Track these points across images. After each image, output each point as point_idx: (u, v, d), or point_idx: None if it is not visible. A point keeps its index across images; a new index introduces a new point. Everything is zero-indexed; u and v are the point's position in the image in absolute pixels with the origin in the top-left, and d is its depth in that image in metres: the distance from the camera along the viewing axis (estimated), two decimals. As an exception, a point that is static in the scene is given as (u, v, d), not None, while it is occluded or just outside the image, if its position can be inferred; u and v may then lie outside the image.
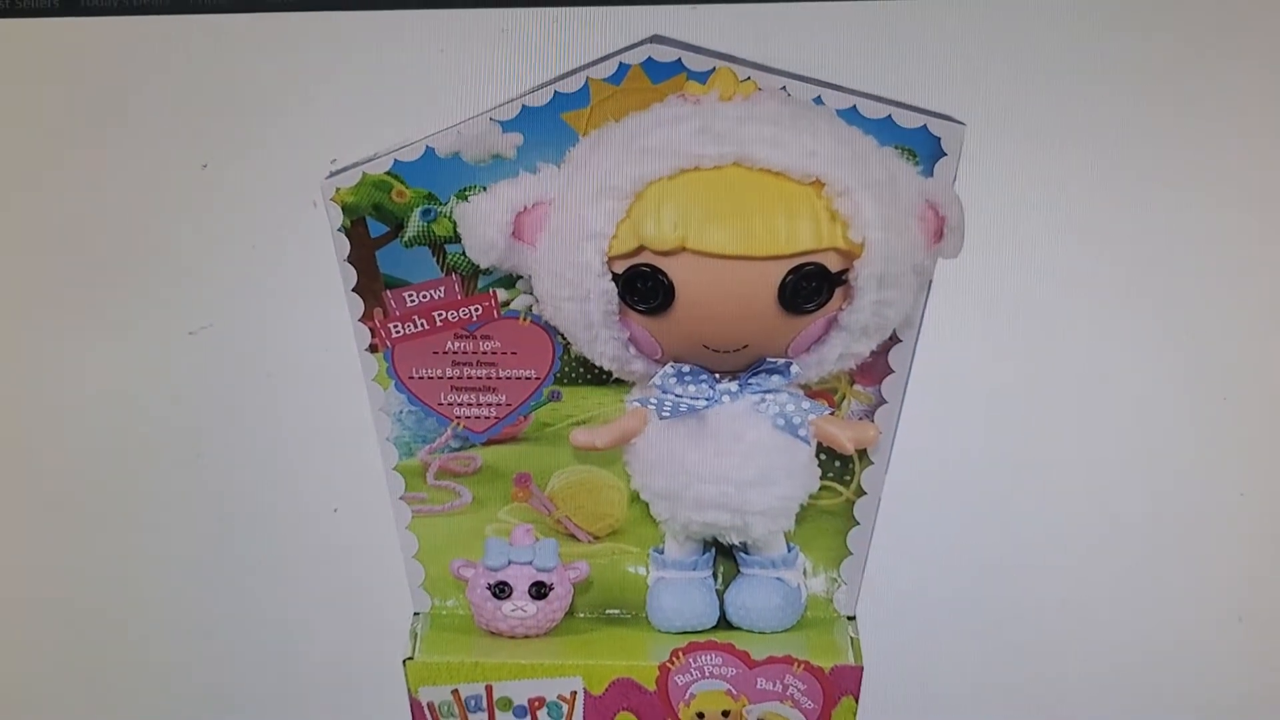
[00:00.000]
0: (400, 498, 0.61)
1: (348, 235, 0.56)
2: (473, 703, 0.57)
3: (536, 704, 0.57)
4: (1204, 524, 0.62)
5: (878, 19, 0.55)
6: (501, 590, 0.59)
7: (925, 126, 0.54)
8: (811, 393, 0.58)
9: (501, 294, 0.58)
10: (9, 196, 0.59)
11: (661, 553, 0.60)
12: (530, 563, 0.59)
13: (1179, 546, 0.62)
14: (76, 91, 0.57)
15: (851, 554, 0.60)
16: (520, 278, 0.57)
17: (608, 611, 0.62)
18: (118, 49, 0.56)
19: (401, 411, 0.60)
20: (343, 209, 0.56)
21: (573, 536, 0.61)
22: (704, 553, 0.60)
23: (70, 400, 0.62)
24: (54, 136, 0.58)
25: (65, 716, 0.67)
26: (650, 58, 0.54)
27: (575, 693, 0.57)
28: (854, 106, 0.54)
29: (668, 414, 0.55)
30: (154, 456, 0.63)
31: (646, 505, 0.59)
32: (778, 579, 0.59)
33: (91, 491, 0.64)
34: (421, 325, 0.58)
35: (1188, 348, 0.59)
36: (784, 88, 0.54)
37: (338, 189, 0.56)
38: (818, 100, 0.54)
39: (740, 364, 0.55)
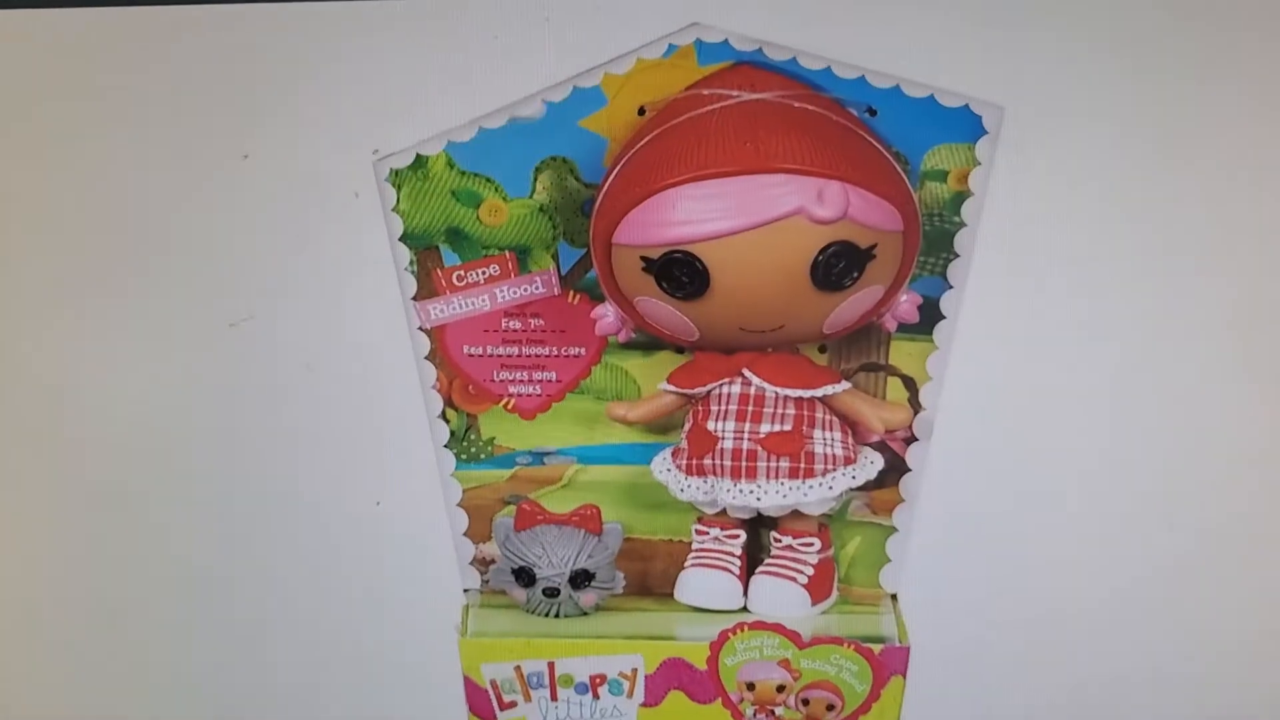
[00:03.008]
0: (451, 474, 0.61)
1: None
2: (534, 679, 0.57)
3: (598, 680, 0.57)
4: (1253, 524, 0.61)
5: (919, 2, 0.56)
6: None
7: (967, 106, 0.55)
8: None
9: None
10: (51, 188, 0.59)
11: (697, 531, 0.61)
12: None
13: (1226, 547, 0.62)
14: (119, 82, 0.57)
15: (897, 530, 0.61)
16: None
17: (663, 591, 0.62)
18: (160, 38, 0.56)
19: (452, 390, 0.60)
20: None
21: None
22: (736, 535, 0.60)
23: (111, 392, 0.62)
24: (95, 128, 0.58)
25: (110, 705, 0.67)
26: (699, 39, 0.55)
27: (636, 669, 0.57)
28: (897, 86, 0.55)
29: None
30: (194, 448, 0.62)
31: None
32: (804, 568, 0.60)
33: (132, 483, 0.63)
34: (475, 304, 0.58)
35: (1234, 348, 0.59)
36: (828, 68, 0.55)
37: (391, 170, 0.56)
38: (860, 80, 0.55)
39: (776, 344, 0.56)
